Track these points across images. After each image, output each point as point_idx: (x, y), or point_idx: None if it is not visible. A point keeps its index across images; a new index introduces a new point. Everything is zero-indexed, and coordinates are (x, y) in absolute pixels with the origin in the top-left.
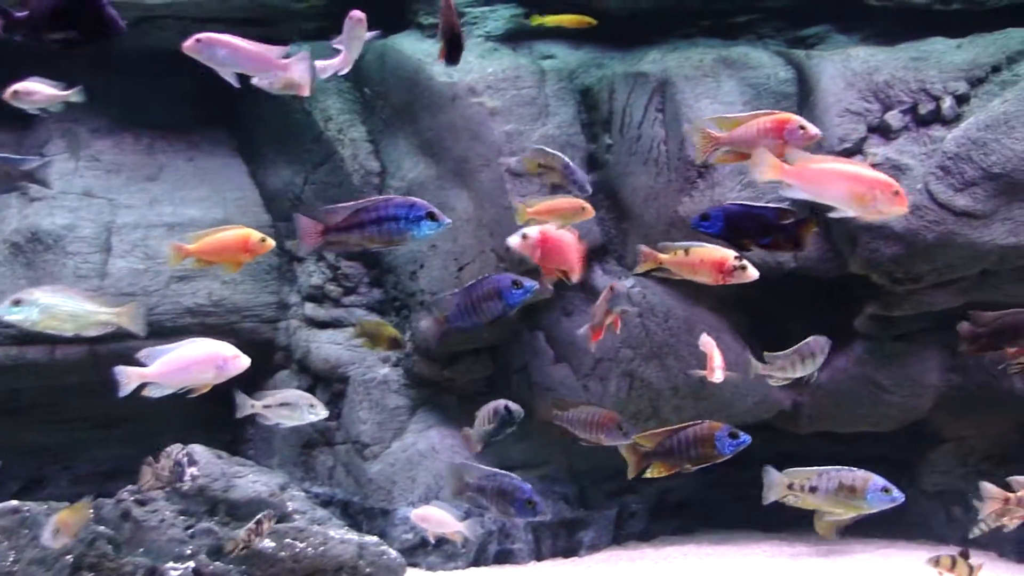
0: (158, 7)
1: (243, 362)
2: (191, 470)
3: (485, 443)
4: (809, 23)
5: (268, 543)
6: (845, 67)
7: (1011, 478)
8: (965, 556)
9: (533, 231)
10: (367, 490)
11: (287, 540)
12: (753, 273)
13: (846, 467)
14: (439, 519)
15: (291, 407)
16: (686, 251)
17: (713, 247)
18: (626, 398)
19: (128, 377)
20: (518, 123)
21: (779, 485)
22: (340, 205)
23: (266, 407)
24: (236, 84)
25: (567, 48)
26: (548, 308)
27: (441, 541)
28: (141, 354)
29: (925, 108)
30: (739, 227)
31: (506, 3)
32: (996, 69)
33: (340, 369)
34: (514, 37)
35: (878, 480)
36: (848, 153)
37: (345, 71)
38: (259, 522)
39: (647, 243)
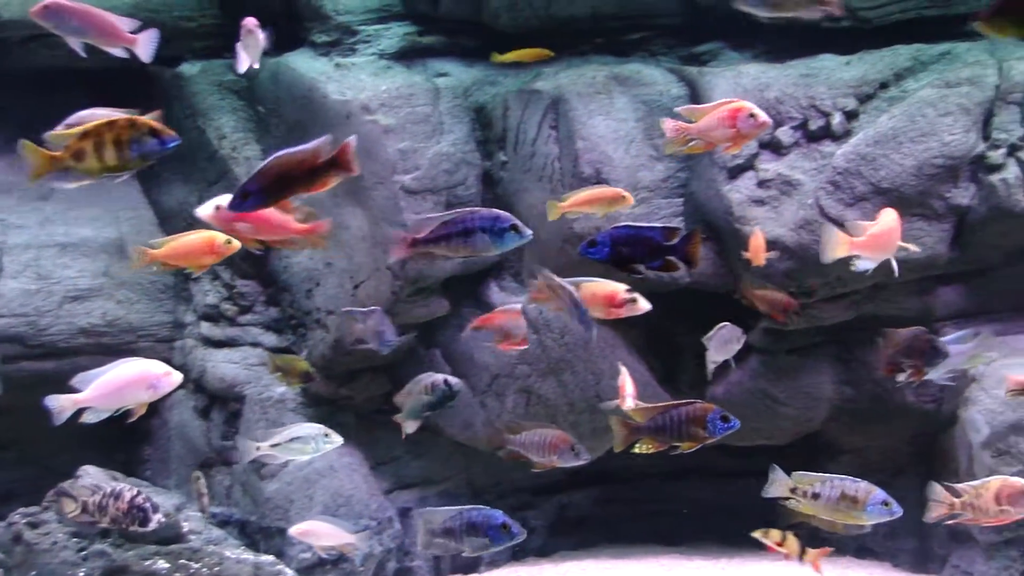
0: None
1: (175, 379)
2: (156, 516)
3: (418, 418)
4: (701, 40)
5: (163, 564)
6: (736, 84)
7: (959, 486)
8: (796, 535)
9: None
10: (264, 509)
11: (181, 561)
12: (644, 305)
13: (851, 477)
14: (322, 532)
15: (303, 440)
16: (576, 286)
17: (602, 282)
18: (523, 414)
19: (61, 405)
20: (412, 140)
21: (782, 485)
22: (428, 216)
23: (275, 446)
24: (83, 54)
25: (461, 66)
26: (444, 325)
27: (339, 560)
28: (74, 380)
29: (815, 124)
30: (627, 251)
31: (400, 21)
32: (884, 85)
33: (236, 388)
34: (408, 55)
35: (879, 493)
36: (740, 168)
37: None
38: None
39: (542, 259)
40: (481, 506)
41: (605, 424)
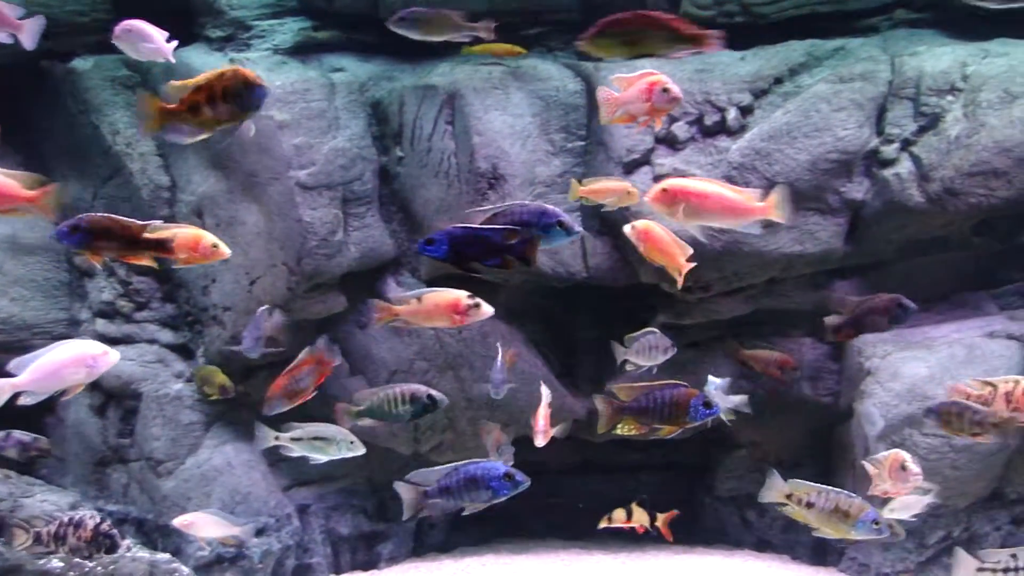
0: None
1: (112, 357)
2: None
3: (382, 420)
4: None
5: (56, 563)
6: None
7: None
8: (642, 504)
9: None
10: (161, 507)
11: (76, 559)
12: (487, 310)
13: (846, 491)
14: (206, 523)
15: (327, 441)
16: (419, 299)
17: (445, 291)
18: None
19: None
20: (308, 136)
21: (779, 491)
22: (478, 209)
23: (295, 440)
24: None
25: (357, 61)
26: (342, 320)
27: (237, 557)
28: (11, 365)
29: (711, 119)
30: (465, 249)
31: (295, 16)
32: (779, 81)
33: (133, 385)
34: (303, 50)
35: (871, 512)
36: (636, 163)
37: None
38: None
39: None
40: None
41: (504, 420)
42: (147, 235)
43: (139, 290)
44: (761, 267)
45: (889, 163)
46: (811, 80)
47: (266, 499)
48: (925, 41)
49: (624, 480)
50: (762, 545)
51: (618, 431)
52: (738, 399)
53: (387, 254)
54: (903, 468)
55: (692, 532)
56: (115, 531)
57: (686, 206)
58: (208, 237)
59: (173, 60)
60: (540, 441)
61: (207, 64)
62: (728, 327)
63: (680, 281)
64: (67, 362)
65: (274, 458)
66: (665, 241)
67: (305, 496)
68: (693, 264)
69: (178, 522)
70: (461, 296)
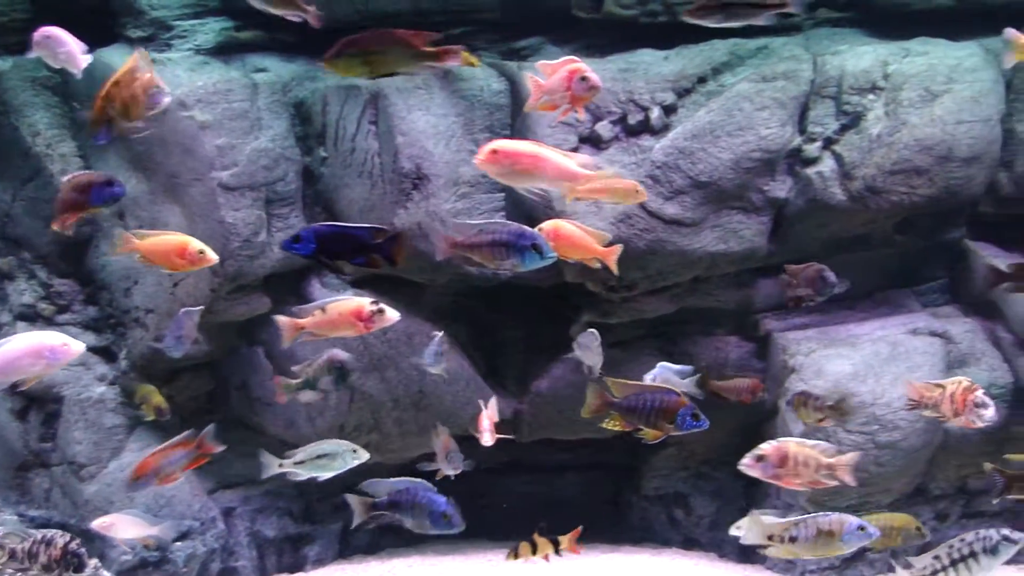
0: None
1: (75, 348)
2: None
3: (314, 389)
4: (522, 35)
5: None
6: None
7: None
8: (542, 532)
9: None
10: (84, 512)
11: None
12: (392, 315)
13: (821, 513)
14: (125, 524)
15: (330, 457)
16: (323, 309)
17: (348, 299)
18: (347, 411)
19: None
20: (230, 137)
21: (759, 534)
22: (467, 223)
23: (299, 464)
24: None
25: (280, 61)
26: (266, 322)
27: (161, 561)
28: None
29: (634, 118)
30: (332, 247)
31: (216, 16)
32: (702, 80)
33: (55, 389)
34: (225, 50)
35: (852, 522)
36: None
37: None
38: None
39: None
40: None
41: (430, 421)
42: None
43: (61, 292)
44: (685, 266)
45: (812, 162)
46: (734, 79)
47: (190, 502)
48: (847, 40)
49: (551, 480)
50: (689, 543)
51: (605, 424)
52: (689, 384)
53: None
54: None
55: (619, 531)
56: (83, 550)
57: (516, 167)
58: (194, 243)
59: (79, 74)
60: (487, 440)
61: None
62: (653, 326)
63: (613, 267)
64: (24, 353)
65: None
66: (577, 236)
67: (230, 499)
68: (619, 248)
69: (97, 524)
70: (364, 303)
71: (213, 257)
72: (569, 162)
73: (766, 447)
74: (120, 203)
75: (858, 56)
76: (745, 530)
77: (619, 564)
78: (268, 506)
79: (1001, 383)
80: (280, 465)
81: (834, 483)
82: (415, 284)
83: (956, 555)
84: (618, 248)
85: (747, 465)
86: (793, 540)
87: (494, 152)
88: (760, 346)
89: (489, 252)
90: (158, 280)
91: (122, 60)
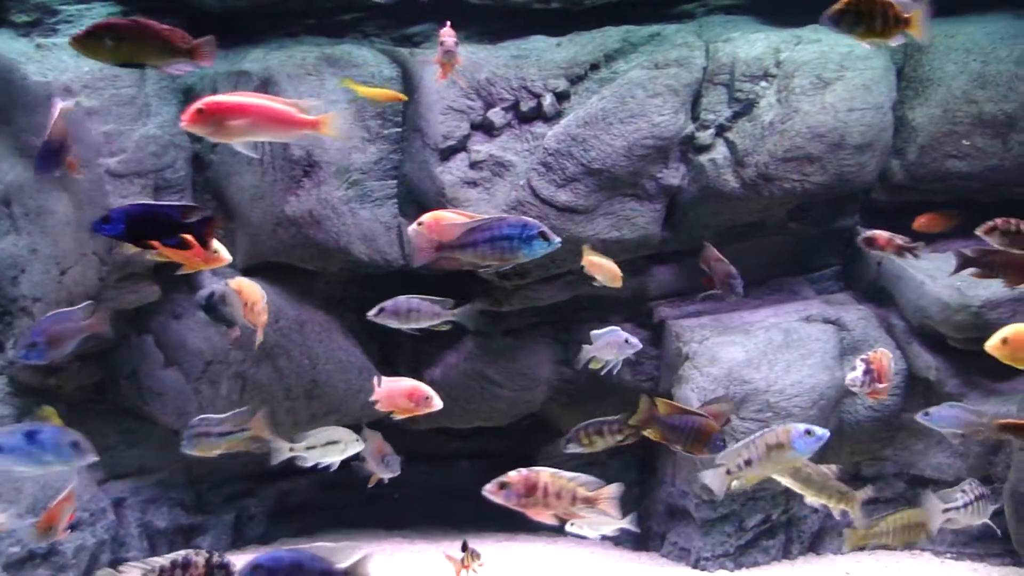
0: None
1: None
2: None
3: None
4: (414, 21)
5: None
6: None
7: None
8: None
9: None
10: None
11: None
12: (225, 255)
13: (763, 429)
14: None
15: (337, 444)
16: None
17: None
18: (238, 401)
19: None
20: (117, 123)
21: (719, 476)
22: (455, 223)
23: (310, 448)
24: None
25: None
26: (156, 311)
27: (50, 553)
28: None
29: (527, 105)
30: (142, 228)
31: (103, 2)
32: (595, 67)
33: None
34: None
35: (797, 427)
36: (453, 150)
37: None
38: None
39: (254, 242)
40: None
41: (324, 409)
42: None
43: None
44: (578, 253)
45: (704, 149)
46: (627, 66)
47: (80, 493)
48: (739, 27)
49: (446, 469)
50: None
51: (646, 432)
52: (631, 347)
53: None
54: None
55: (514, 520)
56: (228, 559)
57: (229, 123)
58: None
59: None
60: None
61: (11, 49)
62: (547, 313)
63: None
64: None
65: None
66: (459, 224)
67: (120, 490)
68: None
69: None
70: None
71: (227, 256)
72: (287, 108)
73: (513, 474)
74: (5, 191)
75: (750, 43)
76: (707, 477)
77: (515, 553)
78: (159, 497)
79: (894, 370)
80: (291, 449)
81: (594, 516)
82: (306, 272)
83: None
84: None
85: (490, 491)
86: (749, 463)
87: (199, 111)
88: (655, 333)
89: (487, 249)
90: (45, 268)
91: (7, 45)
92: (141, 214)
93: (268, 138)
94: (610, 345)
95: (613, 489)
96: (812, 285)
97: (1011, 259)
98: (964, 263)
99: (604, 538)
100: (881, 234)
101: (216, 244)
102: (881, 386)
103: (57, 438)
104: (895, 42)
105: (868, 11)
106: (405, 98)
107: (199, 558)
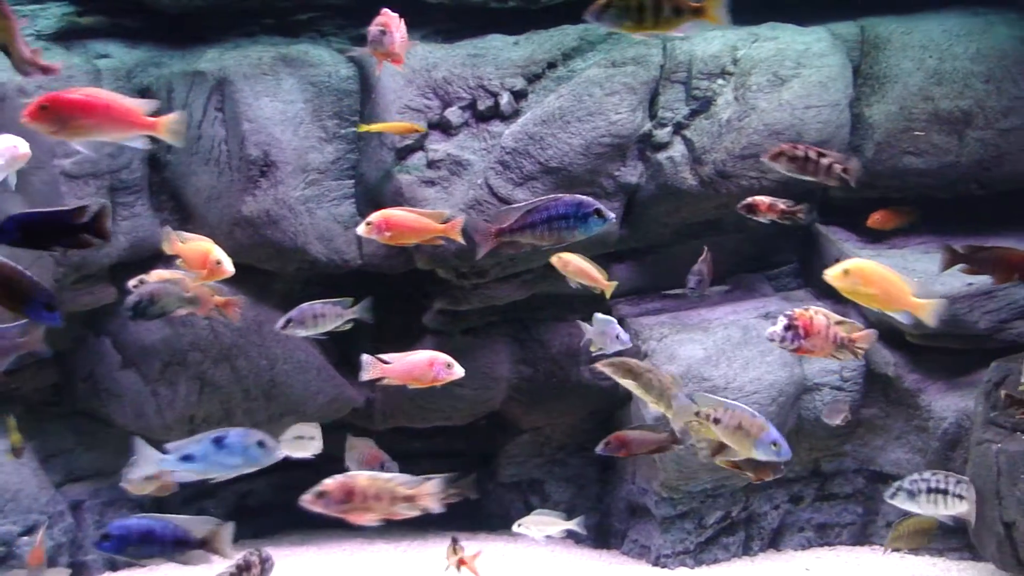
0: None
1: None
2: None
3: None
4: (371, 21)
5: None
6: (404, 64)
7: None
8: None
9: None
10: None
11: None
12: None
13: (751, 411)
14: None
15: (305, 440)
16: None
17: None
18: (196, 402)
19: None
20: None
21: (687, 411)
22: (512, 207)
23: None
24: None
25: (124, 47)
26: (114, 312)
27: (7, 556)
28: None
29: (484, 104)
30: (37, 233)
31: (58, 2)
32: (552, 65)
33: None
34: (67, 36)
35: (772, 433)
36: (410, 149)
37: None
38: None
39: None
40: None
41: (283, 410)
42: None
43: None
44: (537, 252)
45: (662, 147)
46: (584, 64)
47: (37, 496)
48: (697, 25)
49: (407, 469)
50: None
51: (717, 461)
52: (620, 343)
53: (158, 243)
54: None
55: (476, 519)
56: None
57: (72, 121)
58: (215, 252)
59: None
60: None
61: None
62: (506, 312)
63: (458, 238)
64: None
65: (46, 454)
66: (411, 220)
67: (79, 492)
68: (460, 220)
69: None
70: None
71: (230, 269)
72: (130, 108)
73: (329, 482)
74: None
75: (707, 41)
76: (675, 412)
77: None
78: (117, 499)
79: (852, 366)
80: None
81: (416, 512)
82: (264, 272)
83: None
84: (459, 221)
85: (307, 502)
86: (717, 422)
87: (42, 108)
88: None
89: (545, 230)
90: None
91: None
92: (34, 221)
93: (108, 138)
94: (602, 335)
95: (433, 484)
96: (771, 282)
97: (1000, 256)
98: (952, 260)
99: (549, 539)
100: (762, 200)
101: (220, 254)
102: (810, 343)
103: (244, 440)
104: (681, 32)
105: (637, 4)
106: (423, 129)
107: (254, 558)
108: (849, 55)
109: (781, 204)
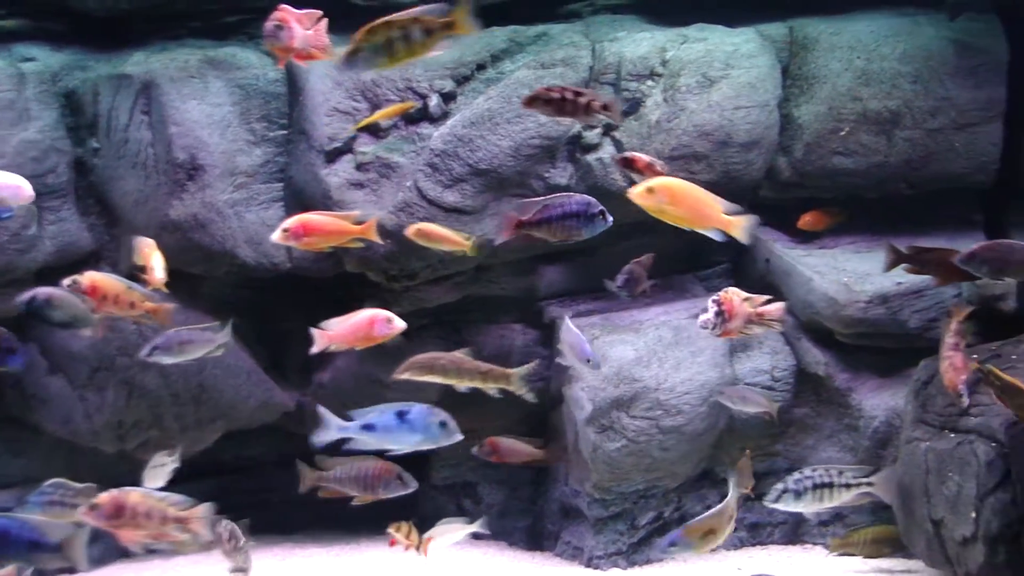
0: None
1: None
2: None
3: None
4: None
5: None
6: (333, 66)
7: None
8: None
9: None
10: None
11: None
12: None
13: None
14: None
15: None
16: None
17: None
18: (125, 407)
19: None
20: None
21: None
22: (530, 200)
23: None
24: None
25: (49, 50)
26: None
27: None
28: None
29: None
30: None
31: None
32: (481, 67)
33: None
34: None
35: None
36: (338, 152)
37: None
38: None
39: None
40: None
41: (212, 414)
42: None
43: None
44: (464, 254)
45: (592, 148)
46: (513, 66)
47: None
48: (625, 27)
49: None
50: (478, 533)
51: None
52: (575, 357)
53: (85, 248)
54: None
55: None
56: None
57: None
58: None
59: None
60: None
61: None
62: (437, 314)
63: (374, 238)
64: None
65: None
66: (327, 223)
67: (5, 500)
68: (374, 220)
69: None
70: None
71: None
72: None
73: (103, 496)
74: None
75: (636, 43)
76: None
77: (408, 556)
78: None
79: (783, 366)
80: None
81: (186, 536)
82: (193, 276)
83: None
84: (373, 220)
85: (82, 514)
86: None
87: None
88: (545, 333)
89: (560, 225)
90: None
91: None
92: None
93: None
94: (565, 344)
95: (203, 509)
96: (702, 283)
97: (942, 257)
98: (896, 260)
99: (478, 539)
100: (641, 157)
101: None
102: (732, 324)
103: (427, 417)
104: (440, 50)
105: (384, 39)
106: (416, 105)
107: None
108: (778, 56)
109: (658, 166)
